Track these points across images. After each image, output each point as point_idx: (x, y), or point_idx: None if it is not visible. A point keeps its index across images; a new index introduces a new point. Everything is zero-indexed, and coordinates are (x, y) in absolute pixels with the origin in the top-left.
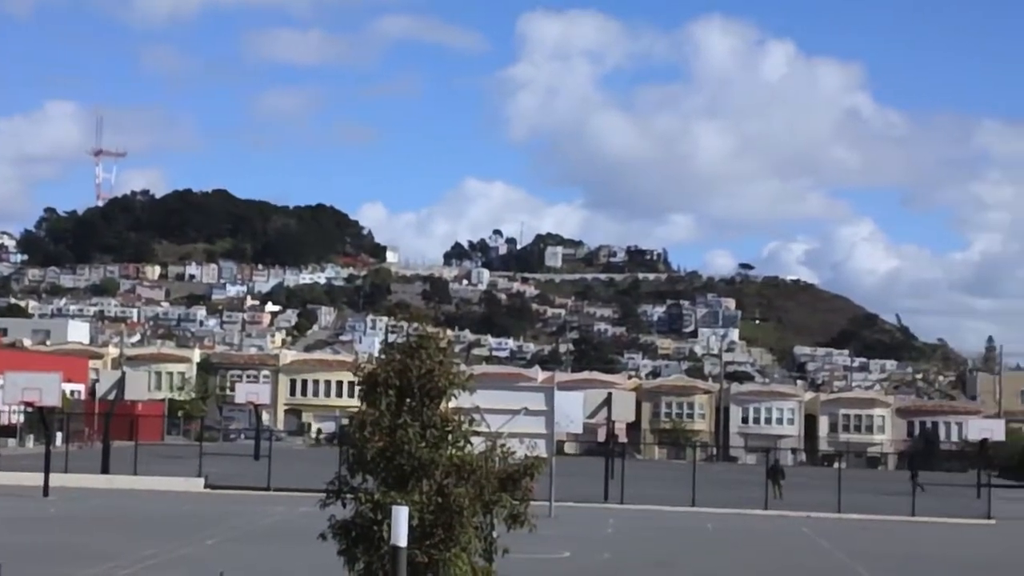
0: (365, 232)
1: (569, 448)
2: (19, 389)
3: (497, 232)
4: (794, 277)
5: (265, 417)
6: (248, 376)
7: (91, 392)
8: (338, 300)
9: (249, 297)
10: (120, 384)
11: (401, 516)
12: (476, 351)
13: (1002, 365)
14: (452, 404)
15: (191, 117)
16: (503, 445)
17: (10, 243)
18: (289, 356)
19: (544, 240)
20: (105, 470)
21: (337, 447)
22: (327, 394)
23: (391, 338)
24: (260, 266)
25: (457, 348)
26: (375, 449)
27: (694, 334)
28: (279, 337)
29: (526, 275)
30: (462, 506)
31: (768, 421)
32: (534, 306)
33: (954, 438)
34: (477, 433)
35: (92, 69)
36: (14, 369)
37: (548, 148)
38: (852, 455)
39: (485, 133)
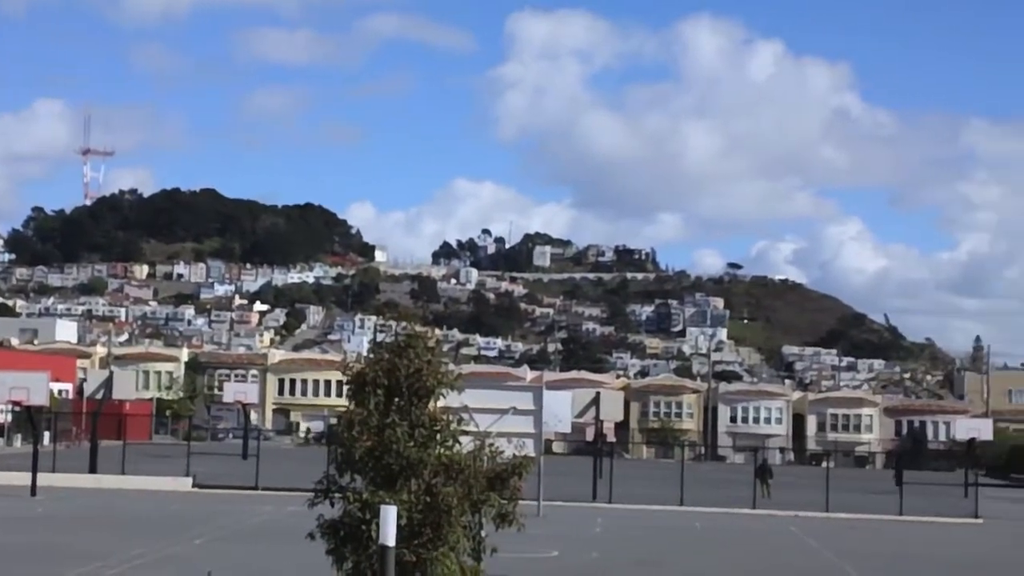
0: (353, 231)
1: (557, 447)
2: (7, 388)
3: (486, 231)
4: (782, 277)
5: (253, 416)
6: (236, 375)
7: (79, 391)
8: (326, 299)
9: (237, 296)
10: (108, 383)
11: (389, 515)
12: (464, 350)
13: (989, 365)
14: (440, 403)
15: (179, 116)
16: (491, 444)
17: None
18: (277, 355)
19: (532, 239)
20: (93, 469)
21: (325, 446)
22: (315, 393)
23: (379, 337)
24: (248, 265)
25: (445, 347)
26: (363, 448)
27: (682, 333)
28: (267, 336)
29: (514, 274)
30: (450, 505)
31: (756, 420)
32: (522, 305)
33: (942, 437)
34: (465, 432)
35: (81, 68)
36: (2, 368)
37: (537, 148)
38: (840, 454)
39: (474, 133)
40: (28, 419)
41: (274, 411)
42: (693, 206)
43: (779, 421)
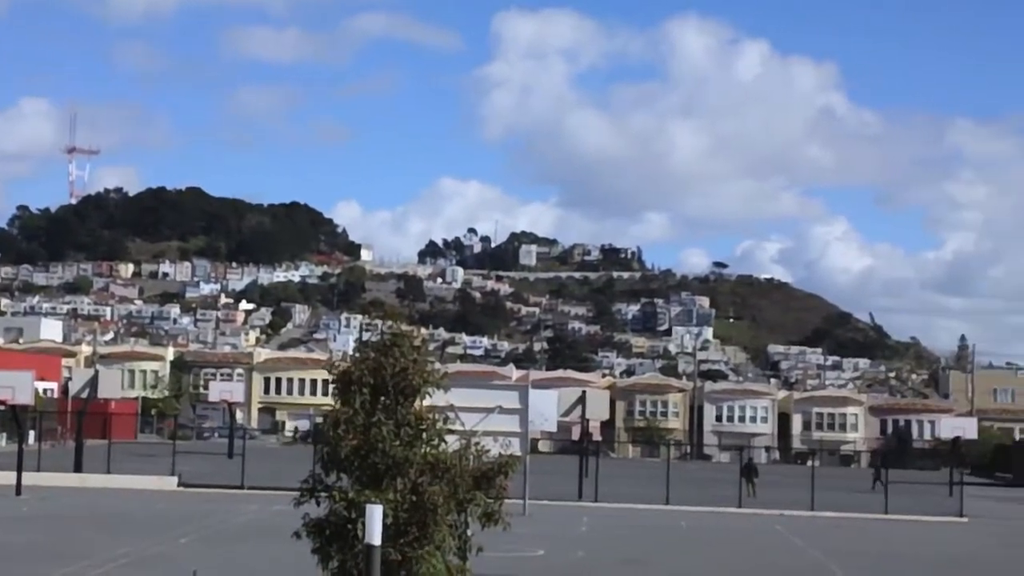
0: (340, 230)
1: (543, 446)
2: None
3: (472, 230)
4: (768, 276)
5: (239, 415)
6: (222, 374)
7: (64, 390)
8: (312, 298)
9: (223, 295)
10: (93, 382)
11: (375, 514)
12: (450, 349)
13: (974, 364)
14: (426, 402)
15: (166, 115)
16: (477, 443)
17: None
18: (263, 354)
19: (519, 238)
20: (78, 469)
21: (311, 445)
22: (301, 392)
23: (365, 336)
24: (234, 264)
25: (431, 346)
26: (349, 447)
27: (668, 332)
28: (253, 335)
29: (500, 273)
30: (436, 504)
31: (742, 419)
32: (508, 304)
33: (927, 436)
34: (451, 431)
35: (66, 66)
36: None
37: (523, 147)
38: (825, 453)
39: (460, 132)
40: (13, 418)
41: (260, 410)
42: (679, 205)
43: (764, 420)
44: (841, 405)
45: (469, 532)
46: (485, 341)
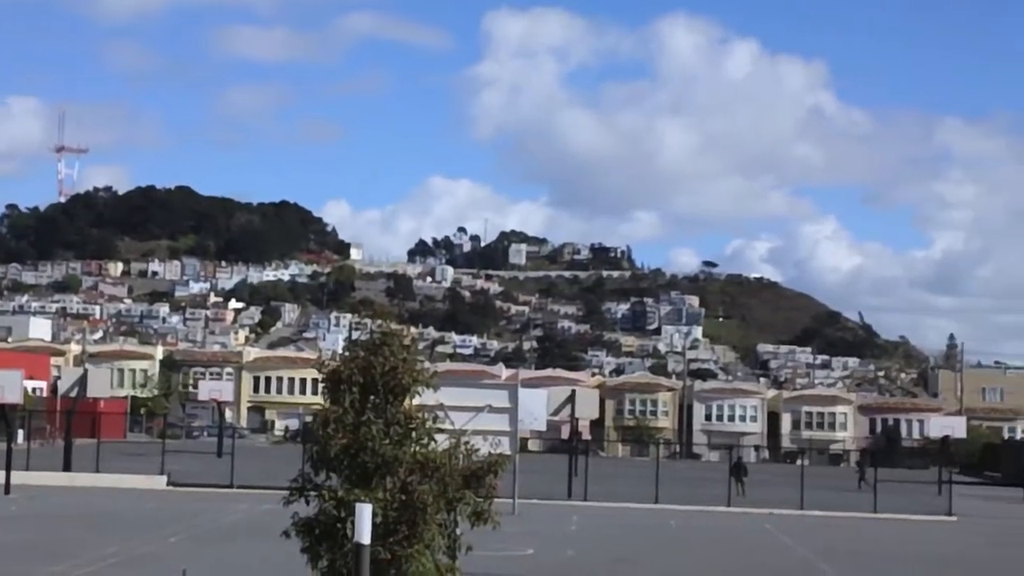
0: (329, 229)
1: (533, 445)
2: None
3: (461, 229)
4: (757, 275)
5: (228, 414)
6: (211, 373)
7: (53, 389)
8: (302, 297)
9: (212, 294)
10: (82, 381)
11: (365, 513)
12: (440, 348)
13: (963, 363)
14: (416, 401)
15: (155, 113)
16: (467, 442)
17: None
18: (252, 353)
19: (508, 237)
20: (67, 468)
21: (300, 444)
22: (290, 391)
23: (355, 335)
24: (223, 263)
25: (421, 345)
26: (339, 446)
27: (658, 331)
28: (242, 334)
29: (490, 272)
30: (426, 503)
31: (731, 418)
32: (498, 303)
33: (916, 435)
34: (441, 430)
35: (56, 65)
36: None
37: (513, 146)
38: (815, 452)
39: (450, 131)
40: (1, 417)
41: (249, 409)
42: (669, 204)
43: (754, 419)
44: (830, 404)
45: (458, 531)
46: (475, 340)
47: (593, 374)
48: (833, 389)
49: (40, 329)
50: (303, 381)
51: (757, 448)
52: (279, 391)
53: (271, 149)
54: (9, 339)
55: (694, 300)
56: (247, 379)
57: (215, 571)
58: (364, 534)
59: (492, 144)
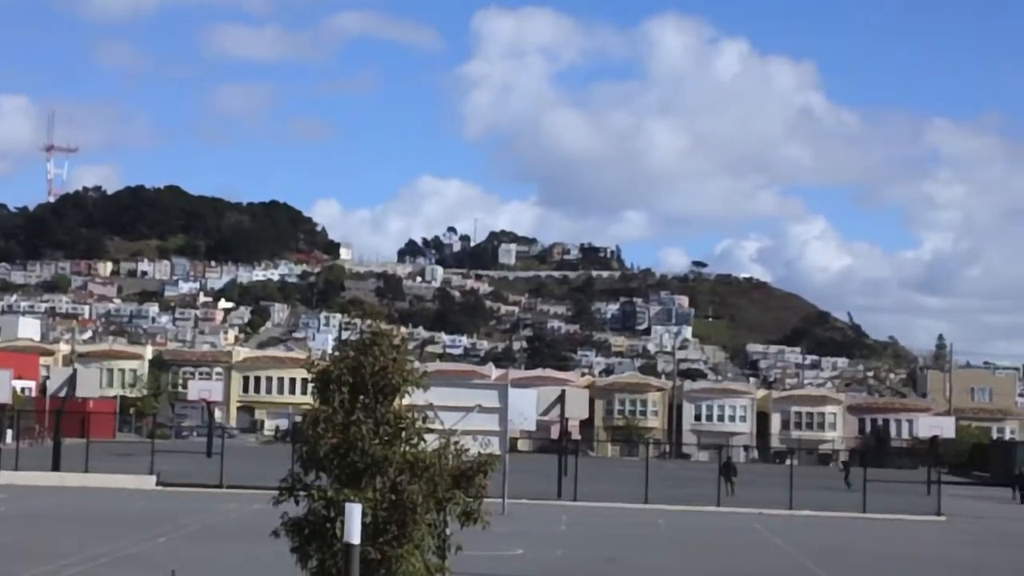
0: (319, 229)
1: (522, 445)
2: None
3: (451, 229)
4: (747, 275)
5: (218, 414)
6: (201, 373)
7: (42, 389)
8: (291, 297)
9: (202, 294)
10: (71, 381)
11: (354, 513)
12: (430, 348)
13: (952, 363)
14: (406, 401)
15: (145, 113)
16: (457, 442)
17: None
18: (242, 353)
19: (498, 237)
20: (56, 467)
21: (290, 444)
22: (280, 391)
23: (344, 335)
24: (213, 263)
25: (411, 345)
26: (328, 446)
27: (647, 331)
28: (232, 334)
29: (480, 272)
30: (415, 503)
31: (721, 418)
32: (488, 303)
33: (905, 435)
34: (431, 430)
35: (45, 64)
36: None
37: (503, 145)
38: (804, 452)
39: (440, 130)
40: None
41: (238, 409)
42: (658, 204)
43: (743, 419)
44: (819, 404)
45: (448, 531)
46: (464, 340)
47: (583, 374)
48: (822, 389)
49: (29, 329)
50: (292, 381)
51: (746, 448)
52: (268, 391)
53: (261, 149)
54: None
55: (683, 300)
56: (236, 379)
57: (204, 571)
58: (354, 534)
59: (482, 144)
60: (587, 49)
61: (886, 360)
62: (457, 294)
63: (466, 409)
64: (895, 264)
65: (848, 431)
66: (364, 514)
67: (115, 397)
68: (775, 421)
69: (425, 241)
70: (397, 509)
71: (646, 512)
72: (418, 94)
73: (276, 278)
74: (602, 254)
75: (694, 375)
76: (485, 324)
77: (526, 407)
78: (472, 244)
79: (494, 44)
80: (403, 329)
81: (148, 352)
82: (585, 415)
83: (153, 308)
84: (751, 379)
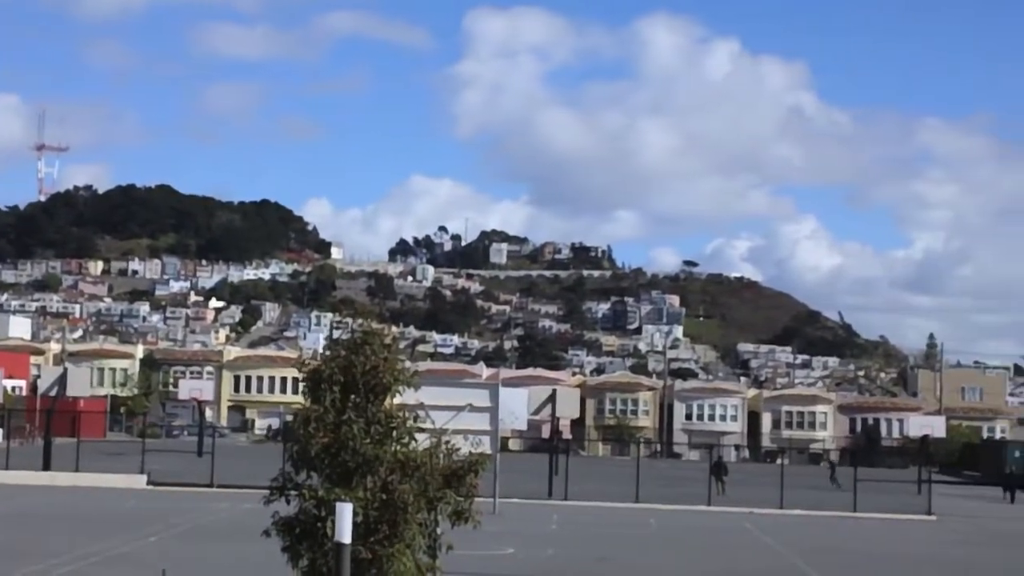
0: (310, 228)
1: (513, 445)
2: None
3: (442, 229)
4: (738, 274)
5: (208, 413)
6: (192, 372)
7: (32, 388)
8: (283, 296)
9: (193, 293)
10: (62, 380)
11: (345, 512)
12: (421, 347)
13: (943, 362)
14: (397, 400)
15: (135, 112)
16: (448, 442)
17: None
18: (233, 352)
19: (489, 237)
20: (47, 467)
21: (281, 443)
22: (271, 390)
23: (336, 334)
24: (204, 262)
25: (402, 344)
26: (319, 445)
27: (638, 331)
28: (223, 333)
29: (471, 272)
30: (406, 502)
31: (712, 418)
32: (479, 303)
33: (895, 434)
34: (422, 429)
35: (36, 63)
36: None
37: (494, 145)
38: (795, 451)
39: (431, 130)
40: None
41: (229, 408)
42: (649, 204)
43: (734, 418)
44: (810, 404)
45: (439, 530)
46: (455, 339)
47: (574, 373)
48: (813, 388)
49: (20, 328)
50: (283, 380)
51: (737, 447)
52: (259, 390)
53: (252, 148)
54: None
55: (674, 299)
56: (227, 378)
57: (195, 571)
58: (345, 533)
59: (473, 143)
60: (578, 49)
61: (877, 359)
62: (448, 293)
63: (457, 408)
64: (886, 264)
65: (839, 430)
66: (355, 513)
67: (106, 396)
68: (766, 420)
69: (416, 240)
70: (388, 508)
71: (637, 511)
72: (409, 94)
73: (267, 277)
74: (593, 254)
75: (685, 374)
76: (476, 323)
77: (517, 406)
78: (463, 243)
79: (485, 44)
80: (394, 328)
81: (139, 351)
82: (576, 414)
83: (144, 307)
84: (742, 378)
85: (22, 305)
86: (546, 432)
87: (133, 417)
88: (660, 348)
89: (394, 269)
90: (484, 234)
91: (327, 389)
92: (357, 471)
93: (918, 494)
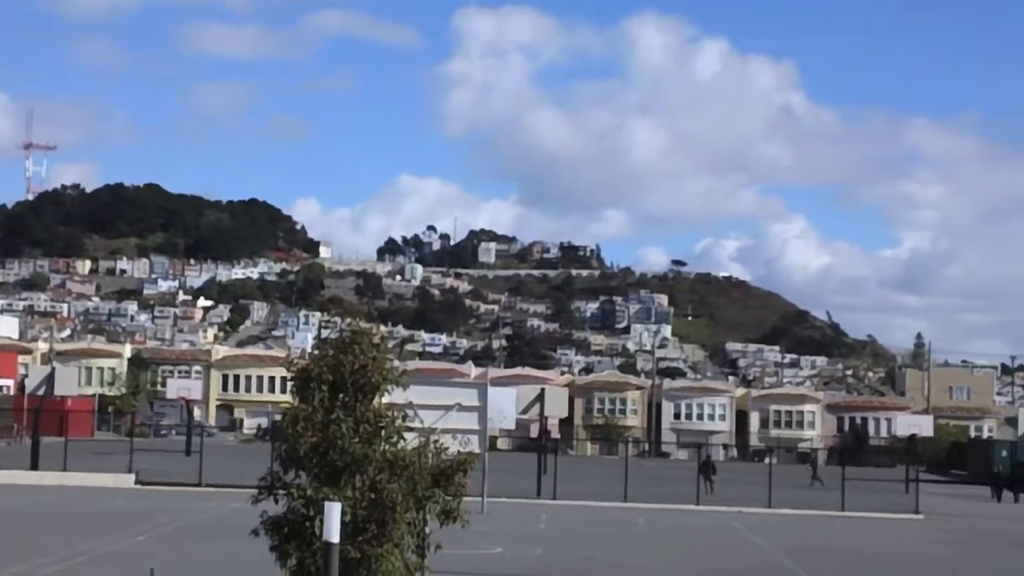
0: (298, 227)
1: (502, 444)
2: None
3: (431, 228)
4: (726, 274)
5: (197, 413)
6: (180, 371)
7: (20, 387)
8: (271, 295)
9: (181, 292)
10: (50, 379)
11: (333, 512)
12: (409, 347)
13: (930, 362)
14: (385, 400)
15: (124, 111)
16: (436, 441)
17: None
18: (221, 351)
19: (478, 236)
20: (34, 466)
21: (269, 443)
22: (259, 390)
23: (324, 333)
24: (192, 261)
25: (390, 344)
26: (308, 445)
27: (627, 330)
28: (211, 332)
29: (459, 271)
30: (395, 502)
31: (700, 417)
32: (467, 302)
33: (883, 433)
34: (410, 429)
35: (24, 61)
36: None
37: (483, 144)
38: (783, 451)
39: (420, 129)
40: None
41: (218, 407)
42: (638, 203)
43: (723, 418)
44: (798, 403)
45: (428, 530)
46: (444, 338)
47: (562, 372)
48: (801, 388)
49: (7, 327)
50: (272, 379)
51: (725, 446)
52: (248, 389)
53: (240, 147)
54: None
55: (663, 299)
56: (216, 377)
57: (183, 570)
58: (333, 533)
59: (462, 142)
60: (567, 48)
61: (865, 359)
62: (437, 293)
63: (446, 408)
64: (874, 263)
65: (827, 429)
66: (343, 513)
67: (94, 395)
68: (754, 420)
69: (405, 240)
70: (377, 508)
71: (625, 511)
72: (398, 93)
73: (255, 276)
74: (582, 253)
75: (673, 374)
76: (465, 323)
77: (505, 406)
78: (452, 243)
79: (474, 43)
80: (383, 328)
81: (127, 350)
82: (564, 414)
83: (132, 306)
84: (730, 378)
85: (10, 304)
86: (534, 431)
87: (121, 416)
88: (648, 347)
89: (382, 268)
90: (472, 233)
91: (315, 388)
92: (345, 470)
93: (906, 493)
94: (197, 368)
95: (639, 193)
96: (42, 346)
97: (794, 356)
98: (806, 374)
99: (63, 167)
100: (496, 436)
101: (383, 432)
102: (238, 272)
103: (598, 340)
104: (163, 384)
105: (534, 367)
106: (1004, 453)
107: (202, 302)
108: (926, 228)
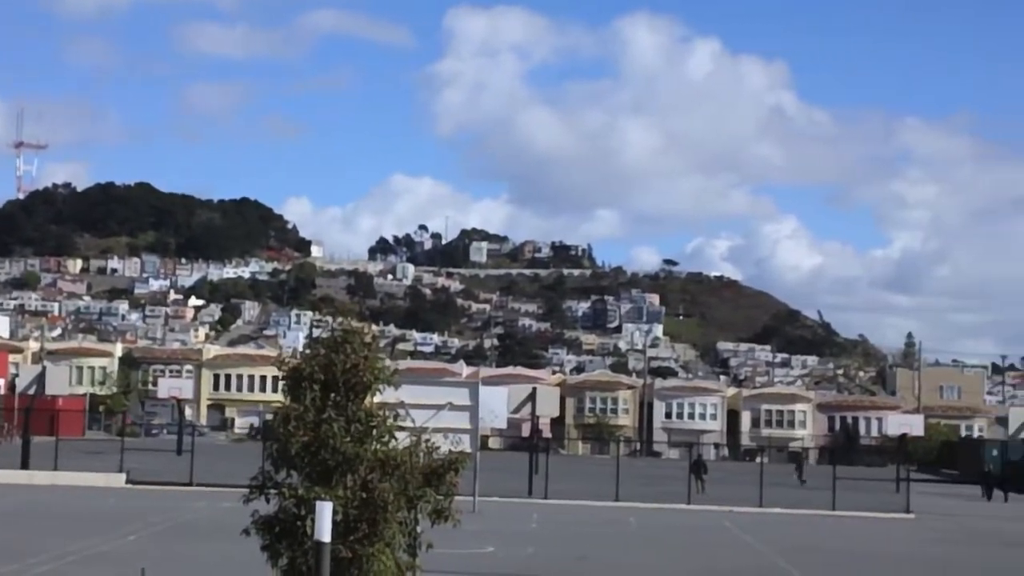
0: (290, 226)
1: (493, 443)
2: None
3: (422, 227)
4: (718, 273)
5: (188, 412)
6: (171, 371)
7: (11, 386)
8: (262, 294)
9: (172, 291)
10: (40, 378)
11: (325, 511)
12: (401, 346)
13: (921, 361)
14: (377, 399)
15: (115, 110)
16: (427, 440)
17: None
18: (212, 351)
19: (469, 235)
20: (25, 465)
21: (260, 442)
22: (251, 389)
23: (316, 333)
24: (183, 260)
25: (382, 343)
26: (299, 444)
27: (618, 330)
28: (202, 331)
29: (451, 270)
30: (386, 501)
31: (691, 416)
32: (459, 301)
33: (874, 433)
34: (402, 428)
35: (15, 60)
36: None
37: (475, 143)
38: (774, 450)
39: (412, 128)
40: None
41: (209, 407)
42: (630, 203)
43: (714, 417)
44: (789, 402)
45: (419, 529)
46: (435, 338)
47: (554, 372)
48: (792, 387)
49: None
50: (263, 379)
51: (717, 446)
52: (239, 389)
53: (232, 146)
54: None
55: (655, 298)
56: (207, 377)
57: (174, 569)
58: (324, 532)
59: (453, 142)
60: (559, 48)
61: (856, 358)
62: (428, 292)
63: (437, 407)
64: (865, 263)
65: (818, 429)
66: (335, 512)
67: (85, 395)
68: (745, 419)
69: (396, 239)
70: (368, 507)
71: (617, 510)
72: (390, 92)
73: (247, 275)
74: (573, 252)
75: (665, 373)
76: (456, 322)
77: (497, 405)
78: (443, 242)
79: (466, 42)
80: (374, 327)
81: (118, 350)
82: (556, 413)
83: (123, 305)
84: (721, 377)
85: (0, 303)
86: (526, 431)
87: (112, 416)
88: (640, 347)
89: (374, 267)
90: (464, 233)
91: (307, 388)
92: (337, 470)
93: (897, 492)
94: (188, 367)
95: (631, 193)
96: (33, 345)
97: (785, 356)
98: (797, 373)
99: (54, 166)
100: (487, 435)
101: (374, 431)
102: (229, 271)
103: (589, 339)
104: (154, 383)
105: (525, 366)
106: (994, 452)
107: (193, 301)
108: (917, 228)
